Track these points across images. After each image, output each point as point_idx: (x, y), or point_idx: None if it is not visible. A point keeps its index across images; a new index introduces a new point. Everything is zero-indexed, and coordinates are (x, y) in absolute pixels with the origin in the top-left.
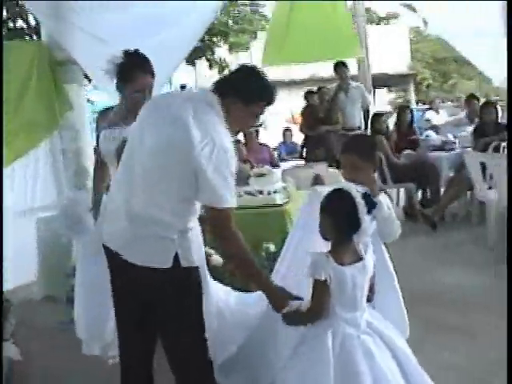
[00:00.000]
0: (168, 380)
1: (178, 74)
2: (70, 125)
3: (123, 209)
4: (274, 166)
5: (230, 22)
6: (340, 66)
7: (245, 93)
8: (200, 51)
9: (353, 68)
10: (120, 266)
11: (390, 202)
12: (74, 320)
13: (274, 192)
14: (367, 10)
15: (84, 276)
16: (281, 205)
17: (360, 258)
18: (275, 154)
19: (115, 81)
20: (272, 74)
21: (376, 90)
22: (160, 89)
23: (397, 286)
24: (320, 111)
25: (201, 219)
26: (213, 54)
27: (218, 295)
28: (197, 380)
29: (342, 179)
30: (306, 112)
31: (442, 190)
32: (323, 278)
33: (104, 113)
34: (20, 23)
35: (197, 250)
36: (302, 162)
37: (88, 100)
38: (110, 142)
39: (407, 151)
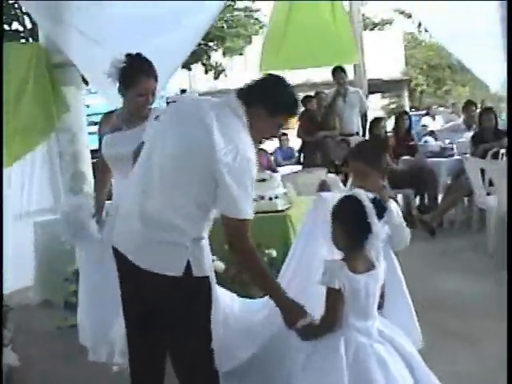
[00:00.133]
0: None
1: (172, 78)
2: (67, 127)
3: (137, 212)
4: (272, 171)
5: (225, 26)
6: (338, 72)
7: (271, 103)
8: (196, 55)
9: (349, 73)
10: (129, 270)
11: (399, 209)
12: (77, 326)
13: (276, 197)
14: (361, 15)
15: (88, 282)
16: (282, 210)
17: (373, 266)
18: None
19: (117, 84)
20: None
21: (369, 95)
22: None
23: (407, 293)
24: (318, 116)
25: None
26: (209, 58)
27: (224, 302)
28: None
29: (341, 185)
30: (304, 117)
31: (440, 196)
32: (337, 287)
33: (107, 116)
34: (15, 25)
35: (208, 259)
36: (299, 168)
37: None
38: (113, 146)
39: (405, 157)
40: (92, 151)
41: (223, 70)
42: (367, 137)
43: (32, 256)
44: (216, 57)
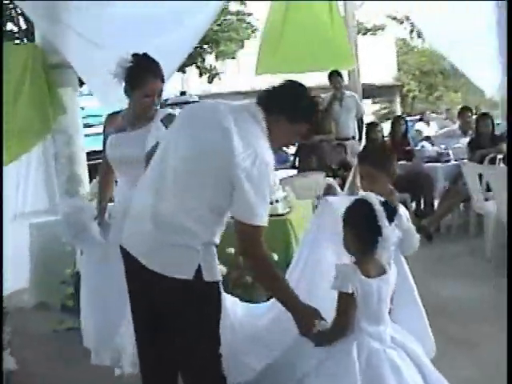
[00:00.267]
0: None
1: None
2: (63, 129)
3: (149, 214)
4: None
5: (218, 29)
6: (335, 76)
7: (291, 110)
8: (191, 58)
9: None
10: (139, 272)
11: (408, 214)
12: (81, 329)
13: (276, 201)
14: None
15: (89, 284)
16: (282, 214)
17: (384, 270)
18: None
19: (123, 84)
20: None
21: (362, 100)
22: None
23: (418, 300)
24: (314, 120)
25: None
26: (203, 61)
27: (228, 307)
28: None
29: (338, 189)
30: None
31: (436, 201)
32: (350, 291)
33: (112, 117)
34: (10, 26)
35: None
36: (294, 172)
37: None
38: (117, 147)
39: (402, 162)
40: (87, 153)
41: (218, 74)
42: (363, 141)
43: (27, 258)
44: (209, 60)
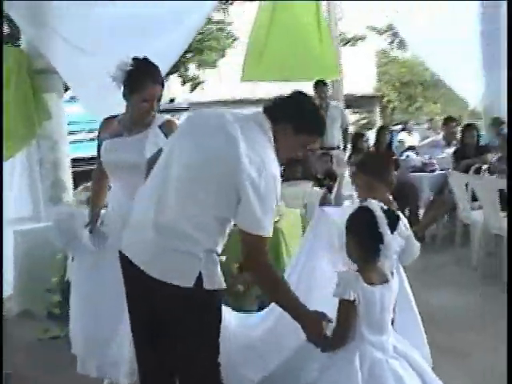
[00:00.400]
0: None
1: None
2: (47, 135)
3: (152, 220)
4: None
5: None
6: (320, 85)
7: (299, 121)
8: (174, 66)
9: None
10: (138, 278)
11: (407, 222)
12: (70, 336)
13: None
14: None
15: (80, 291)
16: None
17: (387, 278)
18: None
19: (122, 88)
20: (237, 92)
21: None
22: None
23: (415, 308)
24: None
25: None
26: (186, 70)
27: (227, 318)
28: None
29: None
30: None
31: (421, 211)
32: (351, 298)
33: (107, 121)
34: None
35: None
36: None
37: None
38: (113, 153)
39: None
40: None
41: (201, 83)
42: (348, 151)
43: (11, 265)
44: (190, 69)
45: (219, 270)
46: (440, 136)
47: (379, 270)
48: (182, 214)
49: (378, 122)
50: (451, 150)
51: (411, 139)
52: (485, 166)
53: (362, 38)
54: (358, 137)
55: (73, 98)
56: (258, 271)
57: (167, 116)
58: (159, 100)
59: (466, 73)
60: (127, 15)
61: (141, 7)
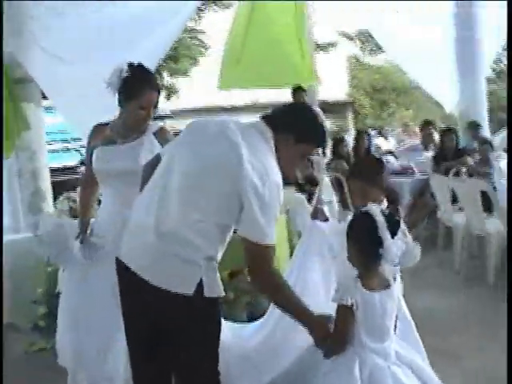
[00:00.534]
0: None
1: None
2: (26, 145)
3: (152, 227)
4: None
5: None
6: (298, 92)
7: (300, 131)
8: None
9: None
10: (136, 285)
11: (404, 226)
12: (57, 348)
13: None
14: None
15: (70, 302)
16: None
17: (388, 284)
18: None
19: (117, 95)
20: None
21: None
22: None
23: (407, 313)
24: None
25: None
26: (161, 78)
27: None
28: None
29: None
30: None
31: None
32: (349, 303)
33: (98, 128)
34: None
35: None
36: None
37: None
38: (105, 160)
39: None
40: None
41: (177, 91)
42: (328, 156)
43: None
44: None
45: (219, 277)
46: (417, 140)
47: (380, 275)
48: (184, 221)
49: (351, 128)
50: (429, 153)
51: (387, 144)
52: (464, 169)
53: (333, 45)
54: (338, 142)
55: (47, 109)
56: (261, 280)
57: (161, 123)
58: (155, 107)
59: (441, 78)
60: (104, 25)
61: (117, 16)
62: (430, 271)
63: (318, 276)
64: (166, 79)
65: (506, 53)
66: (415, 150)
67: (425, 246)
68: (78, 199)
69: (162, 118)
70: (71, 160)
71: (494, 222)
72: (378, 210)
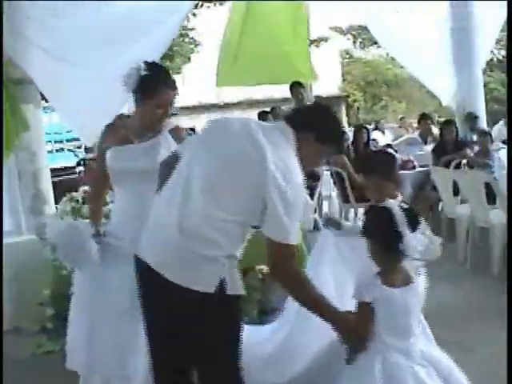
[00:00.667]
0: None
1: None
2: (26, 146)
3: (174, 224)
4: None
5: None
6: (296, 87)
7: (321, 131)
8: None
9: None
10: (154, 282)
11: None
12: (66, 350)
13: None
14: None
15: (84, 304)
16: None
17: (411, 280)
18: None
19: (133, 94)
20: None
21: None
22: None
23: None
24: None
25: None
26: None
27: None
28: None
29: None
30: None
31: None
32: (368, 300)
33: (111, 127)
34: None
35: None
36: None
37: None
38: (121, 160)
39: None
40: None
41: None
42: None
43: None
44: None
45: (239, 275)
46: (415, 133)
47: (401, 271)
48: (207, 220)
49: (345, 122)
50: (428, 146)
51: (384, 138)
52: (464, 161)
53: (325, 39)
54: None
55: (43, 109)
56: (286, 278)
57: (175, 122)
58: (172, 105)
59: (437, 70)
60: (104, 25)
61: (116, 16)
62: (434, 263)
63: (331, 289)
64: None
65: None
66: (412, 144)
67: None
68: (88, 199)
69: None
70: (65, 161)
71: (497, 214)
72: (395, 204)
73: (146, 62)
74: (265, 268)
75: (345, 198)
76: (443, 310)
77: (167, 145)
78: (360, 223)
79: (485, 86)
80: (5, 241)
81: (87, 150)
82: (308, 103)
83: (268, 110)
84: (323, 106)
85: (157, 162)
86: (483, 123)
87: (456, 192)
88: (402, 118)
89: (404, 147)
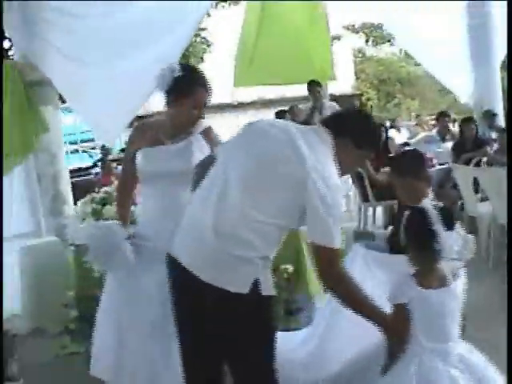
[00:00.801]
0: None
1: None
2: (45, 147)
3: (210, 224)
4: None
5: None
6: (314, 85)
7: (359, 136)
8: None
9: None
10: (187, 281)
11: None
12: (92, 355)
13: None
14: None
15: (113, 307)
16: None
17: (448, 281)
18: None
19: (167, 94)
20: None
21: None
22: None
23: None
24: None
25: None
26: None
27: None
28: None
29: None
30: None
31: None
32: (403, 302)
33: (140, 129)
34: None
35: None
36: None
37: None
38: (154, 161)
39: (386, 169)
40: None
41: None
42: None
43: (11, 284)
44: None
45: (271, 276)
46: (433, 131)
47: (438, 272)
48: (244, 222)
49: None
50: (446, 144)
51: (400, 136)
52: (484, 159)
53: (338, 38)
54: None
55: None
56: (332, 282)
57: (207, 123)
58: (205, 106)
59: (455, 67)
60: (121, 26)
61: (135, 15)
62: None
63: (353, 318)
64: None
65: None
66: (431, 141)
67: None
68: (117, 202)
69: None
70: (80, 162)
71: None
72: (429, 203)
73: (181, 64)
74: (290, 267)
75: (365, 198)
76: (467, 308)
77: (200, 146)
78: (389, 229)
79: None
80: (25, 242)
81: (103, 150)
82: (326, 102)
83: (286, 108)
84: (362, 112)
85: (191, 163)
86: (501, 121)
87: (476, 190)
88: (417, 116)
89: (422, 145)
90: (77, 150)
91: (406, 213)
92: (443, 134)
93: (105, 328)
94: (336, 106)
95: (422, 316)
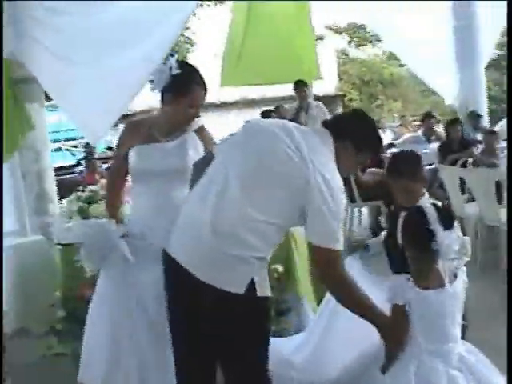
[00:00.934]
0: None
1: None
2: (30, 145)
3: (207, 223)
4: None
5: None
6: (300, 85)
7: (360, 139)
8: None
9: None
10: (182, 279)
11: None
12: (81, 362)
13: None
14: None
15: (105, 307)
16: None
17: (447, 282)
18: None
19: (163, 92)
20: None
21: None
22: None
23: None
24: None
25: None
26: None
27: None
28: None
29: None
30: None
31: None
32: (401, 303)
33: (132, 126)
34: None
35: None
36: None
37: None
38: (147, 159)
39: (372, 169)
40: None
41: None
42: None
43: None
44: None
45: (267, 276)
46: (418, 132)
47: (437, 274)
48: (242, 221)
49: None
50: (432, 145)
51: (385, 137)
52: (470, 160)
53: (320, 38)
54: None
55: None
56: (333, 284)
57: (201, 121)
58: (202, 105)
59: (440, 69)
60: (109, 25)
61: (123, 15)
62: None
63: (350, 323)
64: None
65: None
66: (416, 142)
67: None
68: (107, 200)
69: None
70: (63, 160)
71: (506, 212)
72: (428, 202)
73: (178, 61)
74: (280, 267)
75: (351, 199)
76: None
77: (194, 144)
78: (383, 234)
79: None
80: (10, 242)
81: (87, 148)
82: (313, 102)
83: (271, 108)
84: (362, 115)
85: (186, 161)
86: (485, 122)
87: (463, 190)
88: (402, 117)
89: (408, 146)
90: (60, 148)
91: (403, 214)
92: (428, 135)
93: (97, 332)
94: (321, 106)
95: (421, 316)
